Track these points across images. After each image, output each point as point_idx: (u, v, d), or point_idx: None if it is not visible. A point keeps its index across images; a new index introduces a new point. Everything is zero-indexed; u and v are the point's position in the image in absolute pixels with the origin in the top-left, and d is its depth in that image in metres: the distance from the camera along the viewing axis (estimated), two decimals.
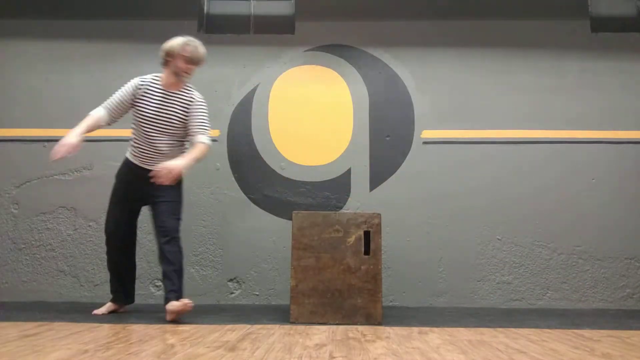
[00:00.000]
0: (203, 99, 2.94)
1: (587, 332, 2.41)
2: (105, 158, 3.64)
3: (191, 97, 2.89)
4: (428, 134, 3.67)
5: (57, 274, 3.55)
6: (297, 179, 3.64)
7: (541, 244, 3.55)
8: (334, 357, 1.81)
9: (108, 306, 2.96)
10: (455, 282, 3.52)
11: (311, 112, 3.72)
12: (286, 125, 3.70)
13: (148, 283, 3.54)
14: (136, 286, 3.52)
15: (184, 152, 2.92)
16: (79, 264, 3.55)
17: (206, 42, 3.79)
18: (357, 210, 3.59)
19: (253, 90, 3.74)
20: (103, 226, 3.60)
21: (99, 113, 2.84)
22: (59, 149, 2.67)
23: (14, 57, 3.77)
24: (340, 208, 3.61)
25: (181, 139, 2.93)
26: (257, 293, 3.54)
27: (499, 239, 3.56)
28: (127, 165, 2.94)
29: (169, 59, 2.83)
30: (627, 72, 3.69)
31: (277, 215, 3.60)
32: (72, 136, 2.71)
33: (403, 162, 3.64)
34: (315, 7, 3.81)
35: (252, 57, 3.77)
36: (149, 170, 2.77)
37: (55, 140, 3.63)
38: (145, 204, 2.95)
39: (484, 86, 3.71)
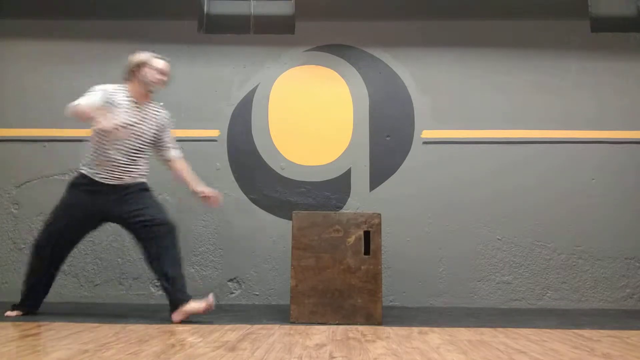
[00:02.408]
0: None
1: (587, 332, 2.41)
2: None
3: (164, 114, 2.91)
4: (428, 134, 3.67)
5: (57, 274, 3.55)
6: (297, 179, 3.64)
7: (541, 244, 3.55)
8: (334, 357, 1.81)
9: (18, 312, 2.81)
10: (455, 282, 3.52)
11: (311, 112, 3.72)
12: (286, 125, 3.70)
13: (148, 283, 3.54)
14: (136, 286, 3.54)
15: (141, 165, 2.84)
16: (79, 264, 3.55)
17: (206, 42, 3.82)
18: (357, 210, 3.59)
19: (253, 90, 3.74)
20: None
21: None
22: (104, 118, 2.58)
23: (14, 57, 3.77)
24: (340, 208, 3.61)
25: (143, 154, 2.84)
26: (257, 293, 3.54)
27: (499, 239, 3.56)
28: (86, 181, 2.76)
29: (135, 69, 2.78)
30: (627, 72, 3.69)
31: (277, 215, 3.60)
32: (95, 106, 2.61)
33: (403, 162, 3.64)
34: (315, 7, 3.81)
35: (252, 57, 3.77)
36: (114, 186, 2.73)
37: (55, 140, 3.68)
38: (104, 221, 2.87)
39: (484, 86, 3.71)
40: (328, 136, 3.68)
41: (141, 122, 2.79)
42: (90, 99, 2.64)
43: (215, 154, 3.66)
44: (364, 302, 2.68)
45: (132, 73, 2.80)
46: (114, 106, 2.70)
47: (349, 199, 3.62)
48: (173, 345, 1.99)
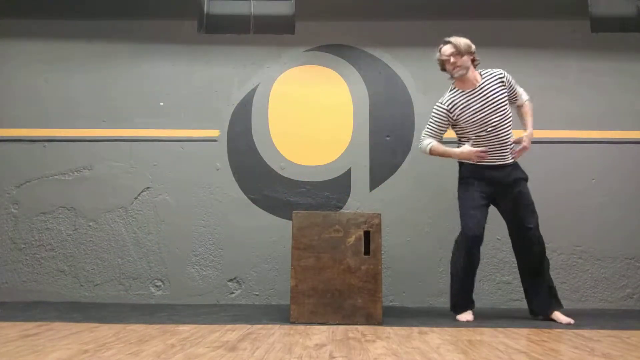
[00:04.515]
0: (499, 70, 2.96)
1: (587, 332, 2.41)
2: (105, 158, 3.65)
3: (494, 76, 2.92)
4: None
5: (57, 274, 3.56)
6: (297, 179, 3.64)
7: None
8: (334, 357, 1.81)
9: (467, 315, 2.87)
10: None
11: (311, 112, 3.72)
12: (286, 125, 3.70)
13: (148, 283, 3.54)
14: (136, 286, 3.54)
15: (510, 124, 2.91)
16: (79, 264, 3.55)
17: (206, 42, 3.82)
18: (357, 210, 3.59)
19: (253, 90, 3.74)
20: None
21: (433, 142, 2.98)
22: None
23: (14, 57, 3.77)
24: (340, 208, 3.61)
25: (508, 117, 2.90)
26: (257, 293, 3.54)
27: (498, 239, 3.56)
28: (476, 170, 2.92)
29: (441, 67, 2.99)
30: (627, 72, 3.69)
31: (277, 215, 3.60)
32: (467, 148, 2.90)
33: (403, 162, 3.64)
34: (315, 7, 3.81)
35: (252, 57, 3.77)
36: (500, 167, 2.90)
37: (55, 140, 3.68)
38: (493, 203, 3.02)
39: None
40: (328, 136, 3.68)
41: (482, 106, 2.87)
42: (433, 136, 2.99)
43: (215, 154, 3.66)
44: (364, 302, 2.68)
45: (443, 69, 2.99)
46: (460, 113, 2.90)
47: (349, 199, 3.62)
48: (173, 345, 1.99)
